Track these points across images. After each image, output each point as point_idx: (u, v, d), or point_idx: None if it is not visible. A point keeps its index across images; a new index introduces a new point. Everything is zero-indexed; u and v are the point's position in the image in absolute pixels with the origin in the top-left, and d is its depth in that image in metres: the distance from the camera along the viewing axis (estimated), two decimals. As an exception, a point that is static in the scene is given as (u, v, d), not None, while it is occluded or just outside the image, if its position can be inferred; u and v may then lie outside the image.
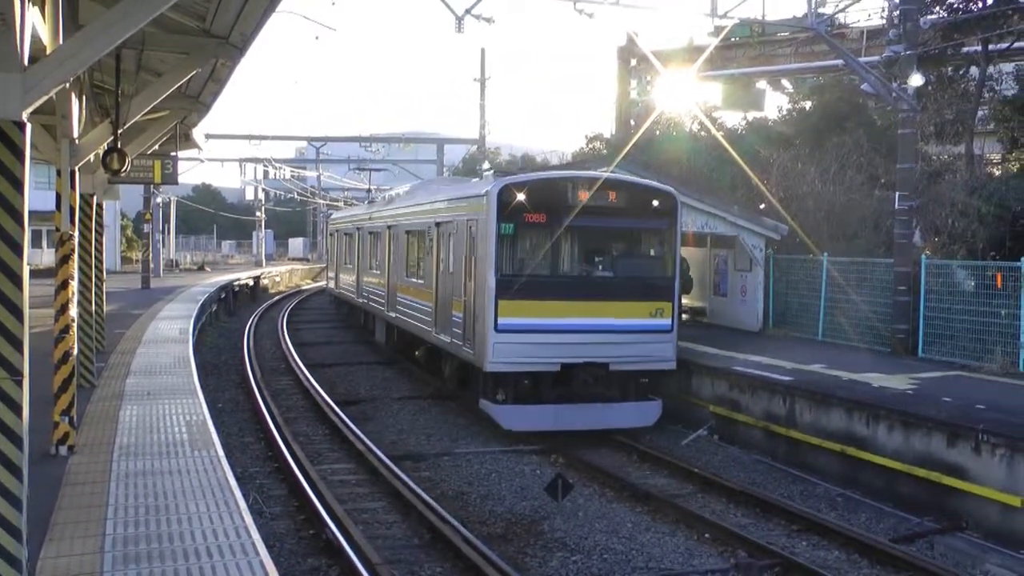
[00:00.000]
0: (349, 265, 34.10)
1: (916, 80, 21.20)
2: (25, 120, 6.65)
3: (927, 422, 14.29)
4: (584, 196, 17.11)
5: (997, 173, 27.18)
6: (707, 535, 12.50)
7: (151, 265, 45.46)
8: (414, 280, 22.63)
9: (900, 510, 13.99)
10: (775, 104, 38.77)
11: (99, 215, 18.43)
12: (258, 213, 77.06)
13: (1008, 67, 28.47)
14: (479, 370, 17.21)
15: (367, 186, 52.41)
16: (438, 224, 20.20)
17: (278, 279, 61.41)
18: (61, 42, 8.99)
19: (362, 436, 16.59)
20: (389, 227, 25.98)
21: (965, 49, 26.76)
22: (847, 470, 15.46)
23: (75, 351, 11.72)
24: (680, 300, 17.88)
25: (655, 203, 17.72)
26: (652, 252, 18.51)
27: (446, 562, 11.08)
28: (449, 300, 19.03)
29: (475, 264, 17.35)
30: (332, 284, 39.97)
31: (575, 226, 17.24)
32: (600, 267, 17.89)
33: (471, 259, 17.60)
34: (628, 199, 17.64)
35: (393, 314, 24.90)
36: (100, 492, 9.41)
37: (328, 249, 44.42)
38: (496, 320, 16.61)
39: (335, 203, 77.49)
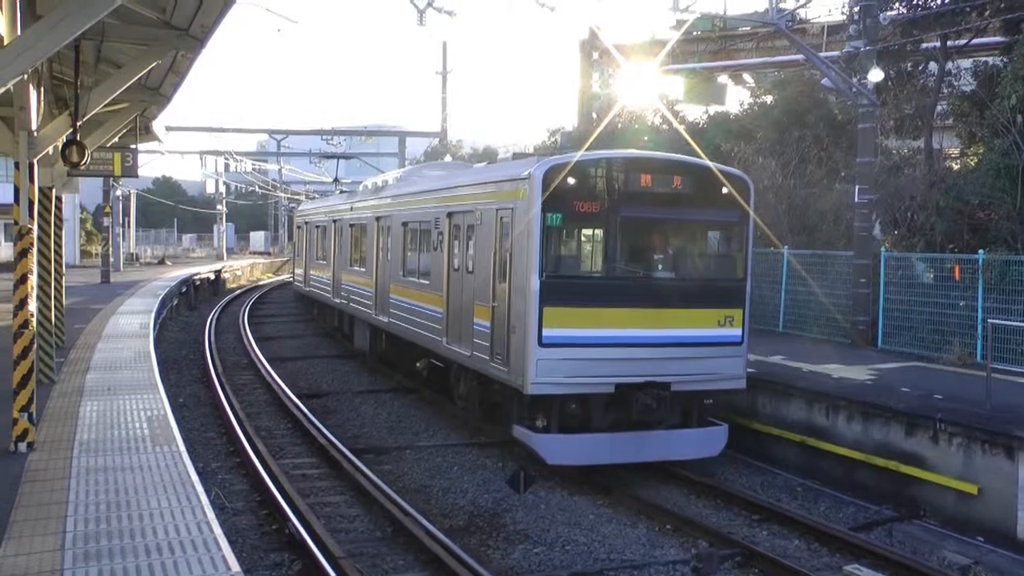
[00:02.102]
0: (323, 261, 30.92)
1: (876, 75, 21.42)
2: (-18, 112, 6.58)
3: (886, 412, 14.50)
4: (646, 180, 14.58)
5: (955, 167, 27.43)
6: (668, 526, 12.61)
7: (111, 259, 45.05)
8: (415, 280, 19.67)
9: (859, 499, 14.20)
10: (737, 98, 38.95)
11: (58, 208, 18.23)
12: (219, 206, 76.55)
13: (966, 63, 28.75)
14: (514, 391, 14.47)
15: (329, 179, 52.19)
16: (451, 214, 17.38)
17: (239, 273, 61.08)
18: (19, 32, 8.90)
19: (324, 430, 16.56)
20: (378, 218, 23.13)
21: (924, 45, 27.00)
22: (807, 460, 15.63)
23: (34, 346, 11.59)
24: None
25: (725, 190, 15.01)
26: (720, 249, 15.92)
27: (409, 555, 11.10)
28: (468, 305, 16.21)
29: (511, 263, 14.51)
30: (300, 282, 36.45)
31: (633, 217, 14.65)
32: (660, 267, 15.27)
33: (503, 257, 14.83)
34: (695, 185, 14.94)
35: (384, 319, 21.94)
36: (60, 489, 9.32)
37: (295, 243, 40.76)
38: (540, 332, 13.80)
39: (296, 196, 77.13)
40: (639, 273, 14.98)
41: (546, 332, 13.81)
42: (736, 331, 14.98)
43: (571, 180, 14.04)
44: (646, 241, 15.31)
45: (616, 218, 14.46)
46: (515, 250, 14.38)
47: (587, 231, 15.20)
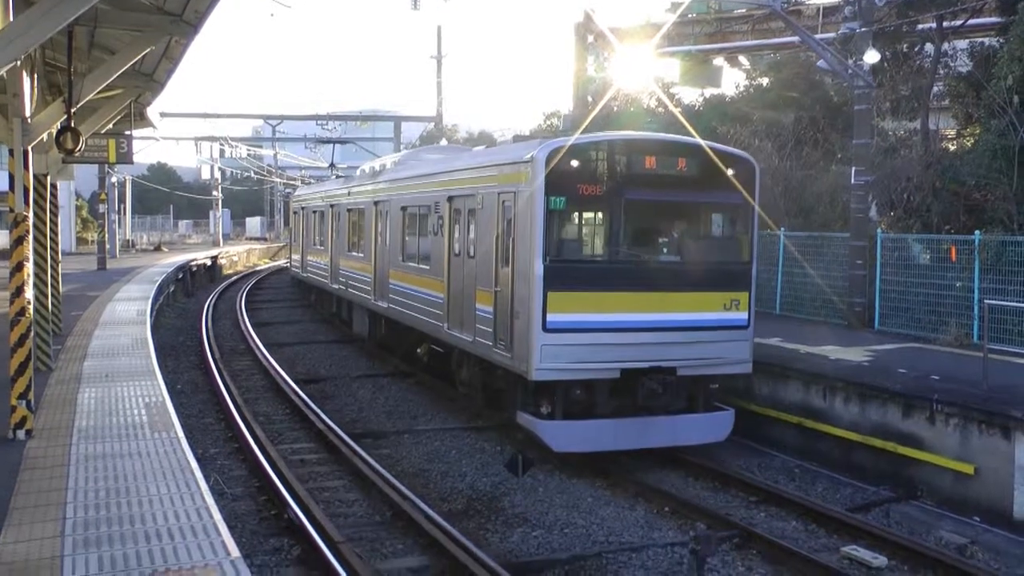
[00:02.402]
0: (320, 247, 30.74)
1: (872, 57, 21.38)
2: (-24, 99, 6.56)
3: (883, 393, 14.52)
4: (651, 162, 14.35)
5: (952, 148, 27.42)
6: (667, 508, 12.65)
7: (107, 246, 45.03)
8: (415, 265, 19.44)
9: (856, 480, 14.25)
10: (732, 81, 38.88)
11: (53, 195, 18.20)
12: (215, 192, 76.45)
13: (962, 44, 28.65)
14: (518, 377, 14.27)
15: (325, 164, 52.13)
16: (451, 198, 17.07)
17: (236, 259, 61.02)
18: (11, 19, 8.86)
19: (322, 415, 16.57)
20: (376, 203, 22.88)
21: (920, 26, 26.93)
22: (804, 442, 15.67)
23: (31, 334, 11.58)
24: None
25: (730, 171, 14.73)
26: (726, 231, 15.71)
27: (408, 539, 11.13)
28: (470, 290, 15.98)
29: (513, 247, 14.27)
30: (297, 267, 36.39)
31: (638, 200, 14.41)
32: (665, 250, 15.17)
33: (506, 241, 14.59)
34: (700, 166, 14.61)
35: (384, 304, 21.73)
36: (59, 476, 9.33)
37: (292, 229, 40.81)
38: (545, 317, 13.60)
39: (292, 181, 76.98)
40: (644, 256, 14.81)
41: (550, 317, 13.62)
42: (742, 314, 14.78)
43: (575, 162, 13.89)
44: (651, 224, 15.16)
45: (621, 201, 14.25)
46: (518, 234, 14.16)
47: (591, 214, 15.02)
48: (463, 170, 17.29)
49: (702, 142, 15.69)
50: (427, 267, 18.51)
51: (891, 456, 14.14)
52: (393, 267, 21.15)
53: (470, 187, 16.37)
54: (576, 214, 14.88)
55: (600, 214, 14.81)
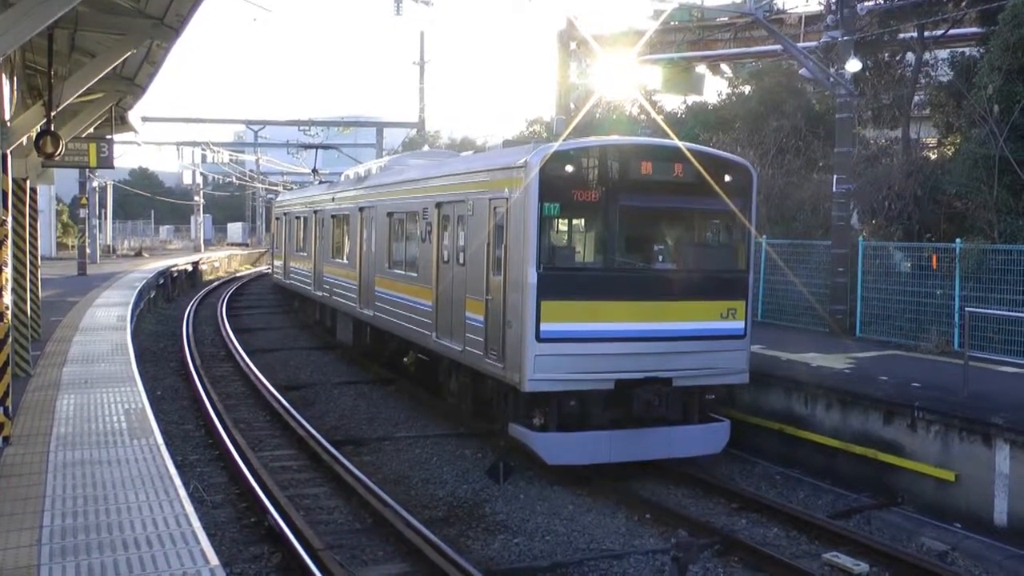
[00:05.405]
0: (303, 253, 30.41)
1: (853, 65, 21.46)
2: (-47, 102, 6.49)
3: (864, 400, 14.56)
4: (647, 168, 13.96)
5: (933, 157, 27.53)
6: (648, 515, 12.64)
7: (87, 251, 44.76)
8: (402, 272, 19.07)
9: (838, 487, 14.26)
10: (714, 88, 39.13)
11: (33, 200, 18.09)
12: (196, 197, 76.15)
13: (943, 53, 28.79)
14: (510, 388, 13.98)
15: (307, 169, 51.95)
16: (440, 204, 16.75)
17: (217, 265, 60.79)
18: (-10, 22, 8.78)
19: (303, 421, 16.50)
20: (362, 209, 22.51)
21: (901, 35, 27.06)
22: (786, 449, 15.69)
23: (10, 339, 11.48)
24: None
25: (727, 178, 14.40)
26: (722, 239, 15.32)
27: (388, 546, 11.08)
28: (460, 298, 15.61)
29: (506, 254, 13.92)
30: (280, 274, 35.98)
31: (634, 206, 14.14)
32: (661, 258, 14.70)
33: (498, 248, 14.25)
34: (696, 173, 14.13)
35: (370, 312, 21.38)
36: (37, 484, 9.24)
37: (274, 234, 40.32)
38: (538, 327, 13.24)
39: (274, 187, 76.77)
40: (640, 264, 14.56)
41: (544, 327, 13.25)
42: (739, 324, 14.47)
43: (569, 168, 13.50)
44: (647, 231, 14.83)
45: (616, 207, 13.88)
46: (510, 241, 13.79)
47: (586, 221, 14.74)
48: (453, 175, 16.91)
49: (700, 147, 15.43)
50: (415, 274, 18.15)
51: (872, 463, 14.17)
52: (379, 274, 20.78)
53: (460, 193, 16.00)
54: (570, 221, 14.63)
55: (595, 221, 14.46)
